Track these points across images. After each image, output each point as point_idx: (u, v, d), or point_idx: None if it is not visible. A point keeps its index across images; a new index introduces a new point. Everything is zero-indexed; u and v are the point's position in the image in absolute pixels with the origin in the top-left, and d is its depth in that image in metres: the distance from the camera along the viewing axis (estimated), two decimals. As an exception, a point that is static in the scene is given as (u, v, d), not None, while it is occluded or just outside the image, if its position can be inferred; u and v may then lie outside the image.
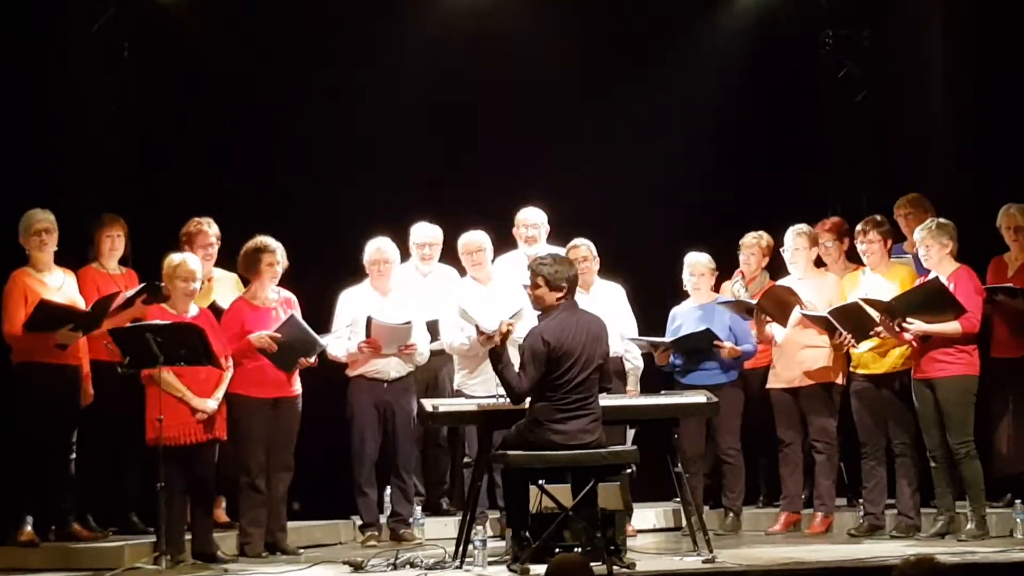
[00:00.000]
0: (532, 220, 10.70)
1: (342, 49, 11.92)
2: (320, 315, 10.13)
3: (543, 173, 11.79)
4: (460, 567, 8.88)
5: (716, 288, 10.67)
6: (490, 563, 8.85)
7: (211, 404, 9.24)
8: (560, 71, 12.12)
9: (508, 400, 8.85)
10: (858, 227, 10.08)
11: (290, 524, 9.88)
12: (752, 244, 10.76)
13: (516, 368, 8.76)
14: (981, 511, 9.62)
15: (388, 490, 10.36)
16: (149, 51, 11.46)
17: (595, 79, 12.26)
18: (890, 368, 9.94)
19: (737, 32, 12.25)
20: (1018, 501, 9.67)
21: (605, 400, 9.00)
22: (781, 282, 10.38)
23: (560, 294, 8.81)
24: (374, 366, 10.14)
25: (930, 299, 9.56)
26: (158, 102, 11.50)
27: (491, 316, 9.76)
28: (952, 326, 9.55)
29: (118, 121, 11.28)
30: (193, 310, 9.37)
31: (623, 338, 10.29)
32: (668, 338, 10.40)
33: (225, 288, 10.22)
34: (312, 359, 9.76)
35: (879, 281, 9.96)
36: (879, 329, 9.74)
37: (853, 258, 10.31)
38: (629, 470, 9.25)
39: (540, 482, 8.71)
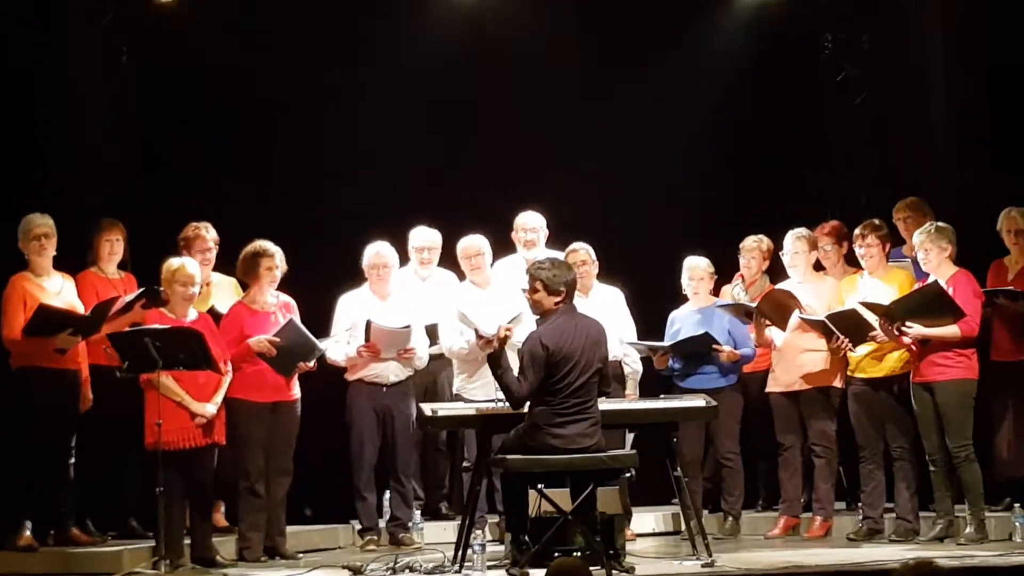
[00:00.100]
0: (531, 224, 10.69)
1: (341, 50, 11.92)
2: (319, 319, 10.12)
3: (542, 177, 11.79)
4: (459, 571, 8.89)
5: (715, 292, 10.67)
6: (489, 567, 8.84)
7: (210, 408, 9.23)
8: (560, 72, 12.11)
9: (507, 404, 8.84)
10: (856, 231, 10.07)
11: (289, 528, 9.88)
12: (752, 248, 10.76)
13: (515, 372, 8.76)
14: (980, 515, 9.62)
15: (387, 494, 10.35)
16: (148, 54, 11.47)
17: (595, 80, 12.25)
18: (889, 372, 9.93)
19: (737, 34, 12.23)
20: (1017, 505, 9.65)
21: (604, 404, 9.01)
22: (780, 286, 10.38)
23: (559, 298, 8.82)
24: (373, 370, 10.14)
25: (929, 303, 9.56)
26: (157, 105, 11.50)
27: (490, 320, 9.75)
28: (951, 330, 9.55)
29: (117, 125, 11.28)
30: (192, 314, 9.37)
31: (622, 342, 10.29)
32: (667, 342, 10.40)
33: (224, 292, 10.22)
34: (311, 363, 9.76)
35: (877, 285, 9.95)
36: (875, 333, 9.74)
37: (852, 262, 10.30)
38: (628, 474, 9.28)
39: (539, 486, 8.72)
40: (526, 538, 8.71)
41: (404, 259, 10.59)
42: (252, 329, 9.57)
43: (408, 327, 10.10)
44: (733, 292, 10.80)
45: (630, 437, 9.90)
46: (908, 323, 9.58)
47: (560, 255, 9.97)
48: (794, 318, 10.16)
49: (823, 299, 10.16)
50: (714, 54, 12.23)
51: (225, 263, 10.20)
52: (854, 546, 9.79)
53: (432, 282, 10.66)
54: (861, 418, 10.06)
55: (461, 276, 10.49)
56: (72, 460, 9.57)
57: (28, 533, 9.41)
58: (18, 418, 9.52)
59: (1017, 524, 9.58)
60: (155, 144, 11.52)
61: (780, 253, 10.48)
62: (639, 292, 10.77)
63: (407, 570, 8.98)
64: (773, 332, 10.30)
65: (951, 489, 9.75)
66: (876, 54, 12.18)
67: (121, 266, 10.12)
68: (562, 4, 12.11)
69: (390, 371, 10.15)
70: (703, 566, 8.97)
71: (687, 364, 10.38)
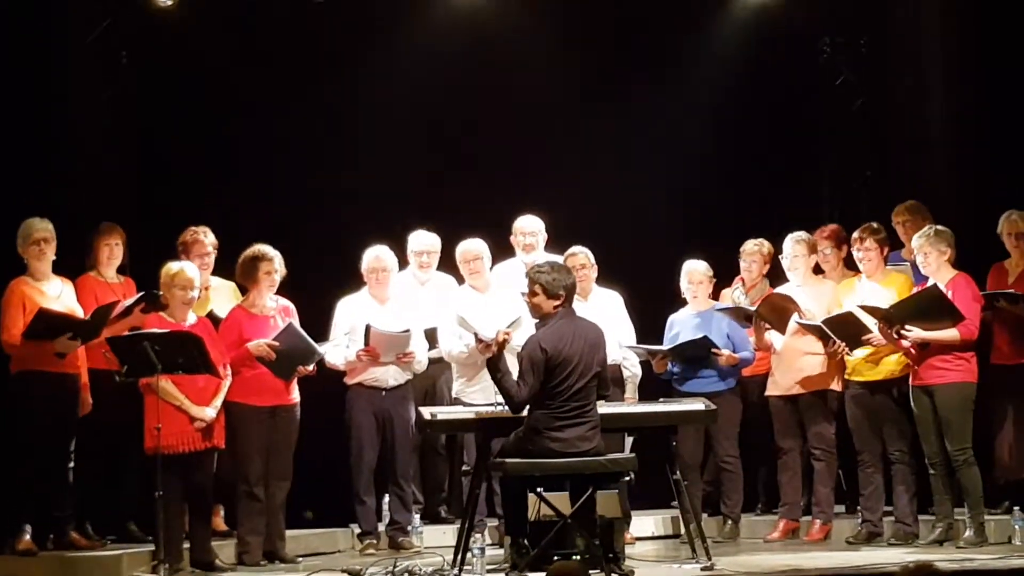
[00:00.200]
0: (530, 228, 10.68)
1: (341, 54, 11.93)
2: (318, 323, 10.13)
3: (541, 181, 11.81)
4: (459, 575, 8.87)
5: (715, 295, 10.67)
6: (489, 571, 8.85)
7: (209, 412, 9.24)
8: (559, 77, 12.14)
9: (507, 408, 8.84)
10: (854, 234, 10.08)
11: (288, 532, 9.88)
12: (754, 251, 10.75)
13: (514, 376, 8.76)
14: (979, 518, 9.61)
15: (386, 498, 10.36)
16: (147, 59, 11.48)
17: (594, 85, 12.27)
18: (887, 375, 9.93)
19: (735, 38, 12.23)
20: (1016, 508, 9.65)
21: (603, 408, 9.02)
22: (779, 289, 10.39)
23: (558, 302, 8.82)
24: (372, 374, 10.14)
25: (928, 306, 9.57)
26: (156, 110, 11.51)
27: (489, 324, 9.75)
28: (950, 333, 9.55)
29: (116, 129, 11.27)
30: (191, 319, 9.38)
31: (621, 346, 10.29)
32: (666, 346, 10.40)
33: (222, 296, 10.21)
34: (310, 367, 9.76)
35: (875, 288, 9.95)
36: (870, 337, 9.74)
37: (852, 265, 10.30)
38: (627, 478, 9.27)
39: (538, 490, 8.71)
40: (525, 542, 8.70)
41: (403, 263, 10.60)
42: (251, 333, 9.57)
43: (407, 331, 10.10)
44: (733, 296, 10.80)
45: (629, 441, 9.89)
46: (907, 326, 9.58)
47: (559, 259, 9.96)
48: (793, 322, 10.17)
49: (822, 303, 10.17)
50: (713, 58, 12.24)
51: (224, 267, 10.19)
52: (853, 550, 9.79)
53: (431, 286, 10.67)
54: (859, 421, 10.07)
55: (460, 280, 10.48)
56: (71, 464, 9.55)
57: (27, 537, 9.38)
58: (17, 422, 9.50)
59: (1016, 527, 9.57)
60: (154, 148, 11.53)
61: (780, 257, 10.48)
62: (638, 296, 10.78)
63: (406, 574, 8.95)
64: (772, 336, 10.31)
65: (950, 492, 9.74)
66: (874, 58, 12.20)
67: (120, 270, 10.11)
68: (562, 8, 12.12)
69: (389, 375, 10.16)
70: (702, 569, 8.99)
71: (686, 368, 10.38)
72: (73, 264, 9.90)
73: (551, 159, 12.14)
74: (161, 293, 9.44)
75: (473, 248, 10.31)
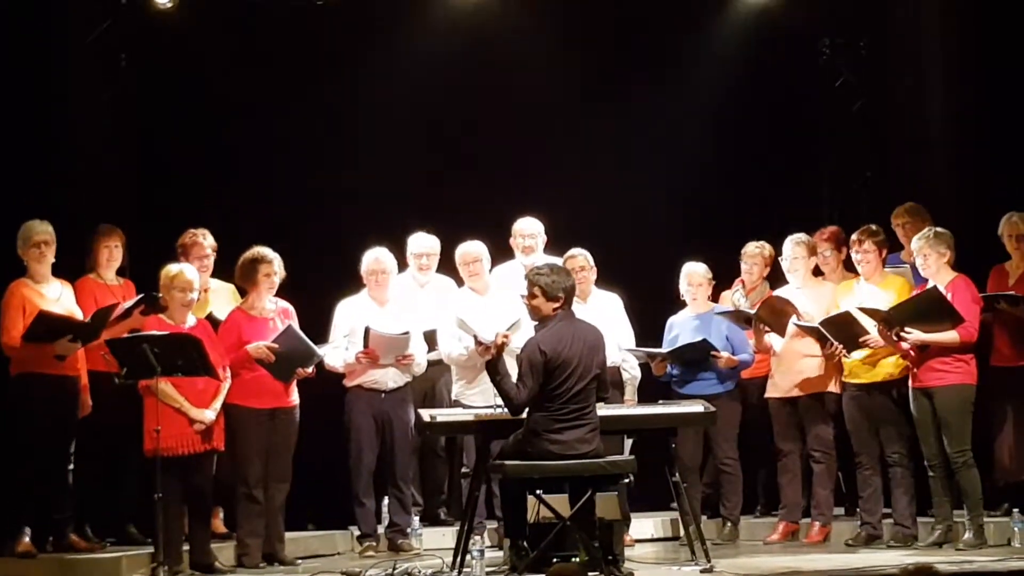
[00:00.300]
0: (529, 230, 10.68)
1: (340, 55, 11.93)
2: (317, 325, 10.13)
3: (540, 183, 11.80)
4: (458, 577, 8.90)
5: (714, 297, 10.67)
6: (488, 573, 8.84)
7: (209, 415, 9.24)
8: (559, 79, 12.13)
9: (506, 411, 8.84)
10: (853, 236, 10.08)
11: (288, 535, 9.87)
12: (755, 254, 10.74)
13: (514, 379, 8.76)
14: (979, 520, 9.61)
15: (386, 500, 10.36)
16: (147, 61, 11.50)
17: (594, 87, 12.27)
18: (885, 377, 9.93)
19: (735, 39, 12.22)
20: (1016, 510, 9.65)
21: (603, 410, 9.02)
22: (779, 292, 10.39)
23: (557, 304, 8.81)
24: (371, 376, 10.14)
25: (928, 308, 9.57)
26: (156, 112, 11.51)
27: (488, 326, 9.74)
28: (950, 335, 9.55)
29: (116, 131, 11.27)
30: (191, 321, 9.38)
31: (620, 348, 10.29)
32: (665, 348, 10.40)
33: (222, 299, 10.22)
34: (310, 369, 9.76)
35: (873, 291, 9.95)
36: (867, 339, 9.74)
37: (851, 267, 10.29)
38: (627, 480, 9.25)
39: (538, 492, 8.71)
40: (525, 544, 8.70)
41: (403, 265, 10.60)
42: (250, 335, 9.57)
43: (407, 333, 10.10)
44: (733, 298, 10.79)
45: (628, 443, 9.89)
46: (907, 328, 9.58)
47: (558, 261, 9.96)
48: (791, 324, 10.16)
49: (822, 305, 10.16)
50: (712, 60, 12.23)
51: (224, 269, 10.19)
52: (852, 552, 9.79)
53: (431, 288, 10.66)
54: (857, 424, 10.07)
55: (460, 282, 10.48)
56: (71, 466, 9.55)
57: (27, 539, 9.38)
58: (17, 424, 9.50)
59: (1016, 529, 9.58)
60: (154, 150, 11.53)
61: (779, 259, 10.48)
62: (638, 297, 10.78)
63: (406, 576, 9.00)
64: (772, 338, 10.31)
65: (950, 494, 9.74)
66: (874, 59, 12.19)
67: (120, 272, 10.11)
68: (562, 8, 12.12)
69: (388, 377, 10.16)
70: (702, 571, 8.99)
71: (685, 370, 10.38)
72: (72, 265, 9.89)
73: (551, 161, 12.14)
74: (160, 295, 9.44)
75: (472, 250, 10.31)
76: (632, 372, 10.47)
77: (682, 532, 9.52)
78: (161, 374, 8.97)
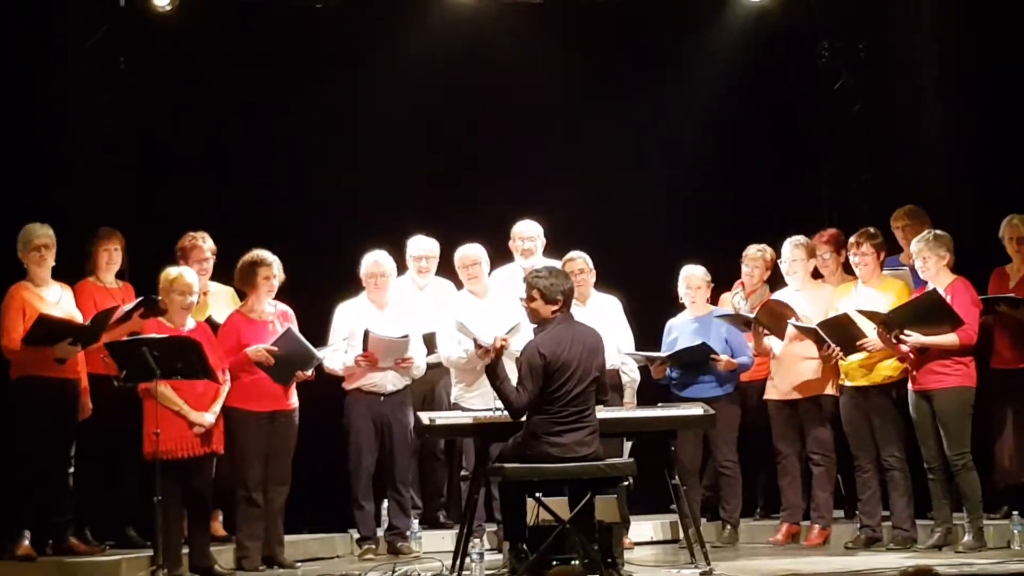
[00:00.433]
0: (528, 233, 10.68)
1: (339, 57, 11.93)
2: (317, 328, 10.12)
3: (539, 186, 11.80)
4: (457, 580, 8.90)
5: (713, 300, 10.66)
6: (487, 576, 8.86)
7: (208, 418, 9.24)
8: (559, 84, 12.14)
9: (505, 414, 8.84)
10: (851, 239, 10.07)
11: (287, 538, 9.87)
12: (756, 257, 10.73)
13: (514, 382, 8.75)
14: (978, 523, 9.62)
15: (385, 503, 10.36)
16: (146, 64, 11.49)
17: (594, 90, 12.27)
18: (883, 380, 9.93)
19: (734, 42, 12.22)
20: (1015, 512, 9.66)
21: (602, 412, 9.02)
22: (777, 294, 10.39)
23: (556, 307, 8.81)
24: (371, 379, 10.14)
25: (928, 311, 9.57)
26: (155, 115, 11.51)
27: (488, 329, 9.75)
28: (949, 338, 9.55)
29: (116, 132, 11.27)
30: (190, 324, 9.38)
31: (620, 351, 10.28)
32: (664, 350, 10.40)
33: (221, 302, 10.22)
34: (309, 372, 9.76)
35: (871, 294, 9.95)
36: (865, 342, 9.74)
37: (851, 270, 10.28)
38: (626, 482, 9.25)
39: (537, 495, 8.70)
40: (524, 547, 8.70)
41: (402, 268, 10.59)
42: (250, 338, 9.57)
43: (406, 336, 10.10)
44: (733, 301, 10.79)
45: (628, 445, 9.87)
46: (907, 331, 9.57)
47: (557, 264, 9.95)
48: (790, 325, 10.16)
49: (821, 307, 10.15)
50: (711, 63, 12.23)
51: (223, 272, 10.19)
52: (852, 554, 9.79)
53: (430, 291, 10.66)
54: (854, 426, 10.06)
55: (459, 285, 10.48)
56: (71, 470, 9.55)
57: (27, 542, 9.37)
58: (17, 427, 9.49)
59: (1015, 532, 9.59)
60: (154, 154, 11.53)
61: (779, 261, 10.47)
62: (637, 299, 10.77)
63: (405, 579, 9.02)
64: (772, 341, 10.31)
65: (949, 497, 9.74)
66: (873, 61, 12.18)
67: (119, 275, 10.11)
68: (562, 9, 12.11)
69: (388, 380, 10.16)
70: (701, 574, 9.00)
71: (685, 373, 10.38)
72: (72, 266, 9.89)
73: (550, 165, 12.14)
74: (160, 298, 9.44)
75: (471, 253, 10.31)
76: (631, 375, 10.47)
77: (682, 535, 9.51)
78: (160, 377, 8.97)
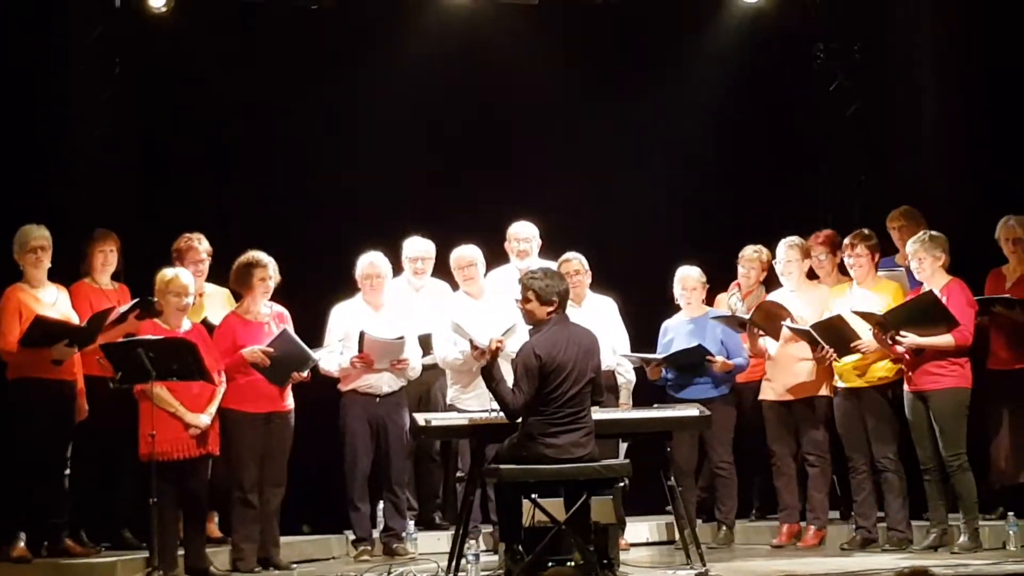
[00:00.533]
0: (524, 234, 10.66)
1: (338, 59, 11.93)
2: (312, 330, 10.13)
3: (535, 187, 11.80)
4: (453, 582, 8.90)
5: (709, 301, 10.65)
6: (483, 577, 8.87)
7: (204, 419, 9.25)
8: (558, 84, 12.14)
9: (501, 415, 8.84)
10: (846, 241, 10.06)
11: (283, 539, 9.89)
12: (753, 258, 10.72)
13: (509, 383, 8.75)
14: (974, 523, 9.61)
15: (381, 505, 10.36)
16: (144, 66, 11.47)
17: (592, 93, 12.27)
18: (877, 381, 9.92)
19: (730, 44, 12.22)
20: (1011, 513, 9.67)
21: (597, 414, 9.01)
22: (773, 295, 10.38)
23: (551, 308, 8.80)
24: (366, 381, 10.15)
25: (923, 312, 9.56)
26: (155, 115, 11.51)
27: (484, 330, 9.75)
28: (945, 339, 9.54)
29: (116, 132, 11.27)
30: (185, 325, 9.39)
31: (615, 352, 10.28)
32: (660, 351, 10.40)
33: (217, 303, 10.22)
34: (305, 374, 9.77)
35: (866, 295, 9.94)
36: (859, 343, 9.73)
37: (846, 271, 10.27)
38: (622, 484, 9.22)
39: (533, 496, 8.69)
40: (520, 548, 8.69)
41: (398, 269, 10.59)
42: (245, 339, 9.58)
43: (401, 338, 10.10)
44: (729, 301, 10.78)
45: (623, 447, 9.87)
46: (902, 332, 9.57)
47: (553, 265, 9.94)
48: (784, 327, 10.15)
49: (816, 308, 10.14)
50: (707, 65, 12.23)
51: (219, 273, 10.20)
52: (848, 555, 9.79)
53: (426, 292, 10.67)
54: (848, 427, 10.05)
55: (455, 286, 10.48)
56: (67, 471, 9.56)
57: (22, 544, 9.40)
58: (14, 429, 9.50)
59: (1011, 533, 9.59)
60: (153, 154, 11.53)
61: (773, 262, 10.47)
62: (633, 300, 10.77)
63: (401, 580, 9.02)
64: (767, 342, 10.30)
65: (945, 498, 9.74)
66: (869, 62, 12.16)
67: (115, 277, 10.12)
68: (562, 9, 12.10)
69: (383, 382, 10.16)
70: (697, 575, 8.98)
71: (680, 375, 10.37)
72: (69, 268, 9.90)
73: (546, 166, 12.13)
74: (156, 300, 9.44)
75: (467, 254, 10.31)
76: (627, 376, 10.46)
77: (677, 536, 9.53)
78: (156, 378, 8.99)
